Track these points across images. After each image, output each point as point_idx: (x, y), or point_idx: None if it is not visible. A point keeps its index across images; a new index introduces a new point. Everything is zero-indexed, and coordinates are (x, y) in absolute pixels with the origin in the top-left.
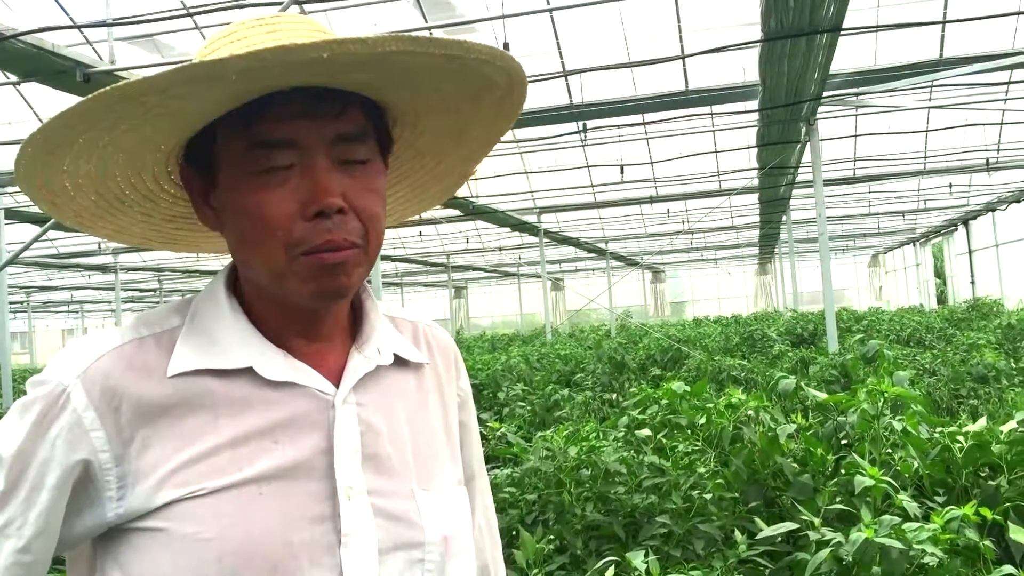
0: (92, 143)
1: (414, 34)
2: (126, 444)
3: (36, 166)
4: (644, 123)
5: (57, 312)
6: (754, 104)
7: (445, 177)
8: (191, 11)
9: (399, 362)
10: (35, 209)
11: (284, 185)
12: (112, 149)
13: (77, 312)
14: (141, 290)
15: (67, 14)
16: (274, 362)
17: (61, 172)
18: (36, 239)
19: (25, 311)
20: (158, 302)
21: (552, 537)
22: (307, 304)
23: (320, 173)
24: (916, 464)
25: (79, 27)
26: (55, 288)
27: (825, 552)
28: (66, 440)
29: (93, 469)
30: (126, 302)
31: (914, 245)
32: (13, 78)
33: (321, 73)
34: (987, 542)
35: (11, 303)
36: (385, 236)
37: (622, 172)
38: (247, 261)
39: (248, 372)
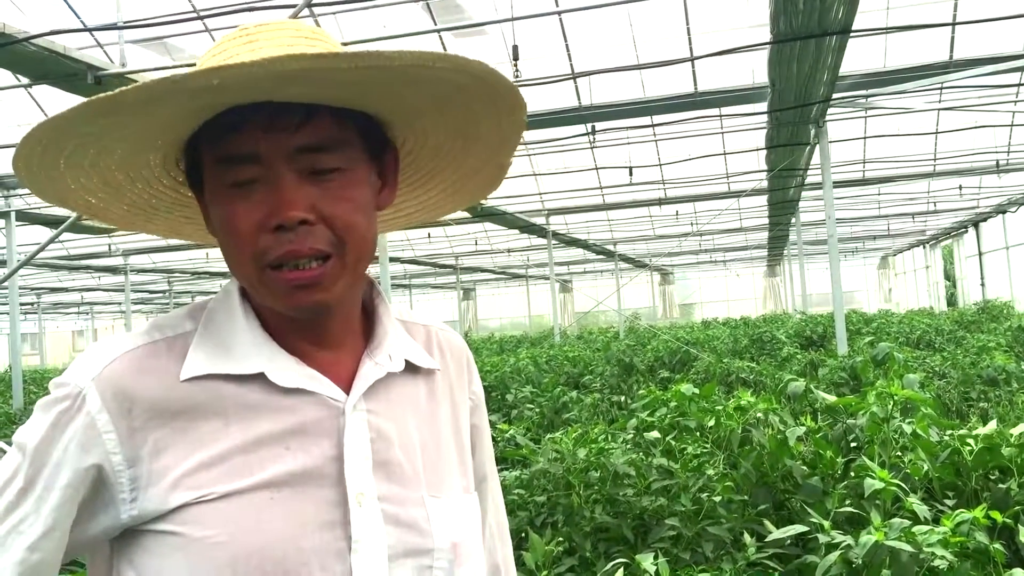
0: (75, 165)
1: (348, 48)
2: (139, 447)
3: (41, 184)
4: (653, 125)
5: (67, 313)
6: (763, 106)
7: (478, 172)
8: (201, 14)
9: (411, 368)
10: (47, 211)
11: (250, 198)
12: (101, 169)
13: (87, 314)
14: (151, 292)
15: (78, 17)
16: (285, 369)
17: (69, 190)
18: (50, 242)
19: (36, 312)
20: (168, 303)
21: (561, 539)
22: (291, 315)
23: (282, 186)
24: (926, 467)
25: (90, 30)
26: (66, 289)
27: (835, 555)
28: (80, 442)
29: (106, 471)
30: (136, 303)
31: (924, 247)
32: (25, 80)
33: (250, 90)
34: (997, 545)
35: (22, 304)
36: (393, 237)
37: (631, 174)
38: (231, 271)
39: (260, 378)
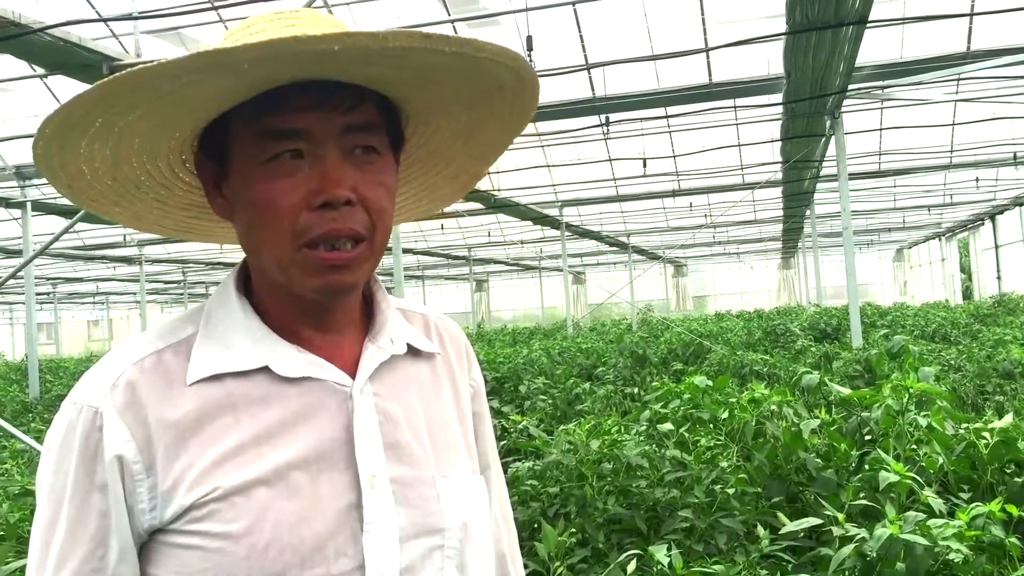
0: (109, 126)
1: (428, 30)
2: (154, 455)
3: (53, 148)
4: (667, 116)
5: (83, 303)
6: (778, 97)
7: (456, 178)
8: (216, 4)
9: (412, 352)
10: (62, 201)
11: (293, 175)
12: (128, 133)
13: (102, 304)
14: (165, 282)
15: (93, 7)
16: (289, 359)
17: (78, 155)
18: (65, 231)
19: (51, 302)
20: (182, 294)
21: (574, 530)
22: (312, 297)
23: (330, 164)
24: (941, 460)
25: (105, 20)
26: (81, 280)
27: (849, 548)
28: (105, 461)
29: (128, 483)
30: (151, 293)
31: (940, 240)
32: (40, 71)
33: (333, 66)
34: (1013, 539)
35: (37, 294)
36: (406, 228)
37: (644, 166)
38: (255, 250)
39: (264, 371)
